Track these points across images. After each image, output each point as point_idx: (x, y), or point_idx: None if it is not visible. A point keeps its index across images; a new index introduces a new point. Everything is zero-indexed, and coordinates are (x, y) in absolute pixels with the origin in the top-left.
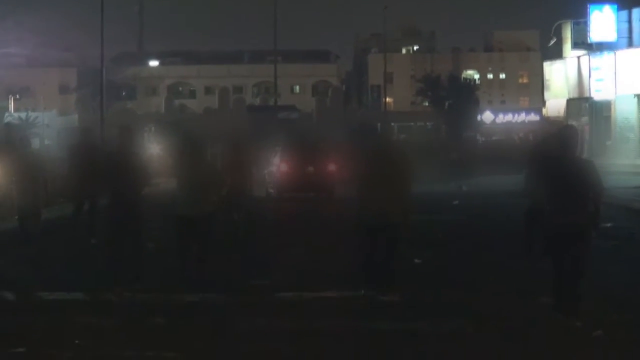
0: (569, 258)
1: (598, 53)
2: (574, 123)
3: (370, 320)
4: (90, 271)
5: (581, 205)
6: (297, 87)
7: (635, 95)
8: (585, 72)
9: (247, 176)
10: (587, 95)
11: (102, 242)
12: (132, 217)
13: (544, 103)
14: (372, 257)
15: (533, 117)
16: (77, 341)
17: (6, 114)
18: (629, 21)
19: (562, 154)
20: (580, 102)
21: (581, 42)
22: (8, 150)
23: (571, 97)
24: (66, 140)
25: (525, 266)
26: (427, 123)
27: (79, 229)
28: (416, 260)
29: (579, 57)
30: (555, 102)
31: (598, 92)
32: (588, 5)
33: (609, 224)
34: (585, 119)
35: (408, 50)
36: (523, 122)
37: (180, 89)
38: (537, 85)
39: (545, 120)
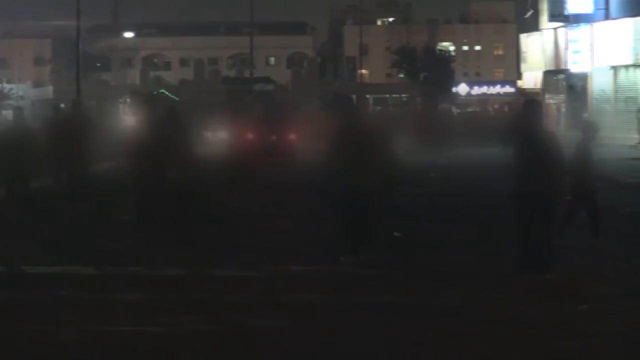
0: (537, 221)
1: (575, 25)
2: (551, 100)
3: (352, 293)
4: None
5: (546, 174)
6: (273, 59)
7: (611, 67)
8: (562, 44)
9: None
10: (563, 67)
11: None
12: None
13: (519, 75)
14: (352, 226)
15: (508, 89)
16: (61, 317)
17: None
18: None
19: (527, 126)
20: (556, 75)
21: (558, 13)
22: None
23: (547, 69)
24: (53, 113)
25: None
26: (403, 95)
27: (67, 196)
28: (395, 234)
29: (555, 29)
30: (532, 74)
31: (575, 64)
32: None
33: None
34: (562, 96)
35: (384, 22)
36: (498, 94)
37: (156, 60)
38: (513, 58)
39: (521, 92)
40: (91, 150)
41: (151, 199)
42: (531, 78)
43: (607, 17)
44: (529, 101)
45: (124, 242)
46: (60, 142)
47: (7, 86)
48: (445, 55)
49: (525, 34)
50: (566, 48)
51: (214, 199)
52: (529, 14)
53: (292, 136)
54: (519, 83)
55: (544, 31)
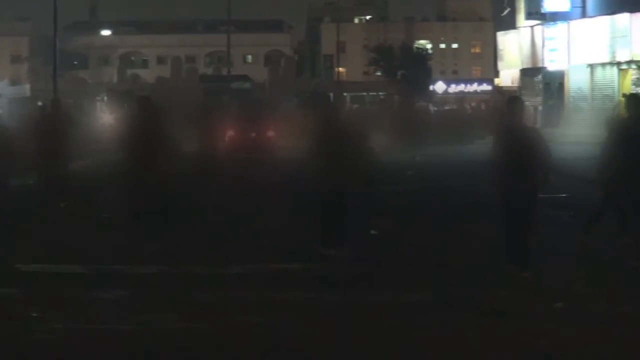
0: (519, 217)
1: (552, 23)
2: (528, 99)
3: (333, 291)
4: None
5: (529, 171)
6: (250, 57)
7: (588, 65)
8: (538, 42)
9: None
10: (540, 65)
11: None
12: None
13: (496, 73)
14: (329, 220)
15: (485, 87)
16: (34, 314)
17: None
18: None
19: (510, 123)
20: (533, 72)
21: (535, 12)
22: None
23: (524, 67)
24: (35, 111)
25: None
26: (380, 93)
27: (49, 194)
28: (372, 232)
29: (532, 27)
30: (509, 72)
31: (552, 62)
32: None
33: (564, 195)
34: (539, 99)
35: (361, 20)
36: (475, 92)
37: (133, 58)
38: (490, 55)
39: (498, 90)
40: (71, 148)
41: (141, 195)
42: (508, 76)
43: (583, 15)
44: (512, 98)
45: (107, 240)
46: (41, 140)
47: None
48: (422, 53)
49: (502, 32)
50: (543, 46)
51: (194, 195)
52: (506, 12)
53: (270, 133)
54: (496, 81)
55: (521, 29)
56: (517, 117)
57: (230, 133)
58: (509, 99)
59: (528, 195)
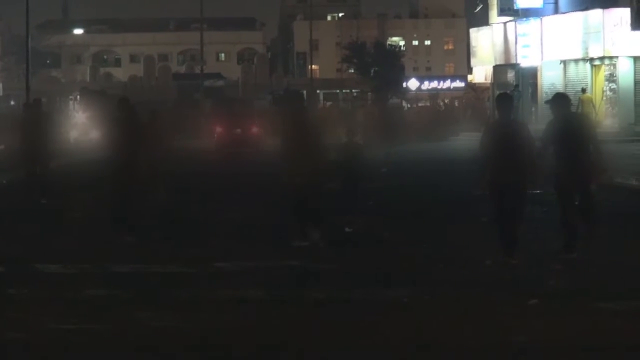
0: (507, 208)
1: (524, 19)
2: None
3: (305, 288)
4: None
5: (516, 164)
6: (223, 55)
7: (561, 61)
8: (511, 39)
9: None
10: (513, 61)
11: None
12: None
13: (470, 70)
14: (299, 210)
15: (458, 83)
16: (10, 314)
17: None
18: None
19: (499, 119)
20: (506, 69)
21: (507, 8)
22: None
23: (498, 63)
24: (8, 110)
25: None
26: (353, 90)
27: (31, 191)
28: (347, 229)
29: (505, 24)
30: (482, 68)
31: (525, 58)
32: None
33: (538, 191)
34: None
35: (334, 17)
36: (449, 89)
37: (105, 57)
38: (463, 52)
39: (471, 87)
40: (52, 147)
41: (122, 197)
42: (481, 72)
43: (556, 11)
44: (501, 95)
45: (82, 238)
46: (23, 138)
47: None
48: (395, 50)
49: (475, 29)
50: (516, 42)
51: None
52: (478, 8)
53: (254, 129)
54: (469, 78)
55: (494, 25)
56: (506, 112)
57: (218, 130)
58: (497, 96)
59: (517, 187)
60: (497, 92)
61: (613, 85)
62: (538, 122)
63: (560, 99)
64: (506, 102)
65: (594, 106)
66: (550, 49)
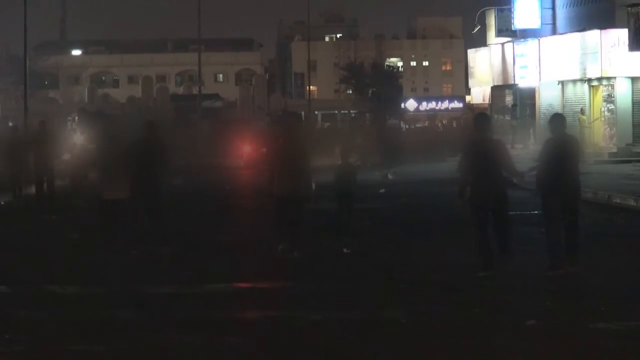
0: (491, 225)
1: (522, 40)
2: (499, 116)
3: (301, 310)
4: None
5: (495, 182)
6: (221, 76)
7: (559, 81)
8: (509, 59)
9: None
10: (511, 82)
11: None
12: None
13: (468, 90)
14: (284, 221)
15: (456, 104)
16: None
17: None
18: (553, 8)
19: (476, 137)
20: (504, 89)
21: (505, 29)
22: None
23: (495, 84)
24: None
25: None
26: (351, 111)
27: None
28: (345, 250)
29: (503, 44)
30: (480, 89)
31: (522, 79)
32: None
33: (536, 212)
34: (514, 121)
35: (331, 38)
36: (447, 110)
37: (103, 78)
38: (461, 73)
39: (469, 107)
40: (56, 165)
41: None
42: (479, 93)
43: (554, 32)
44: (479, 115)
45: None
46: (31, 158)
47: None
48: (393, 70)
49: (473, 49)
50: (514, 63)
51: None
52: (476, 29)
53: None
54: (467, 98)
55: (492, 46)
56: (482, 131)
57: (247, 149)
58: (475, 115)
59: (497, 200)
60: (491, 114)
61: (611, 106)
62: (537, 142)
63: (555, 119)
64: (483, 120)
65: (586, 126)
66: (548, 69)
